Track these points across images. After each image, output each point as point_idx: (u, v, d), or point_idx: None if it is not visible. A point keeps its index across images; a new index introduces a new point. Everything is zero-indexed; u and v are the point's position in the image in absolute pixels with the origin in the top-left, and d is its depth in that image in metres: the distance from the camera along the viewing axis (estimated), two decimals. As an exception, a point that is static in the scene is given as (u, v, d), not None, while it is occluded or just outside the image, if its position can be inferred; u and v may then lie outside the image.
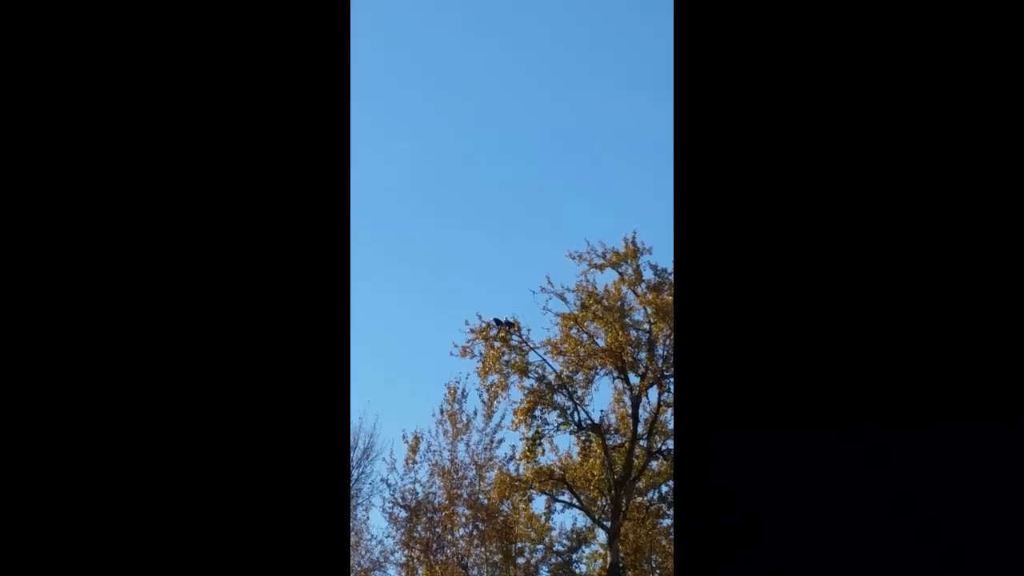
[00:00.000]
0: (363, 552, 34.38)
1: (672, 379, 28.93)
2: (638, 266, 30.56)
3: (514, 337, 30.84)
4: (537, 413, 30.75)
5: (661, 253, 30.77)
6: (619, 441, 31.22)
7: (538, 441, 30.80)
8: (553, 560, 32.41)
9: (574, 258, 30.48)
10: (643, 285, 30.27)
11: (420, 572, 32.33)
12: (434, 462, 32.74)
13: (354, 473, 34.82)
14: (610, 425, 31.34)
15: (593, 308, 30.42)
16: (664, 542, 30.80)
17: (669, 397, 30.06)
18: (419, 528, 32.63)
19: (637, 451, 30.73)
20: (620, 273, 30.66)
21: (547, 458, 31.02)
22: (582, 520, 32.16)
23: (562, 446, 32.84)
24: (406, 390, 49.74)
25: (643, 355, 30.29)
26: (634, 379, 30.80)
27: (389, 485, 32.85)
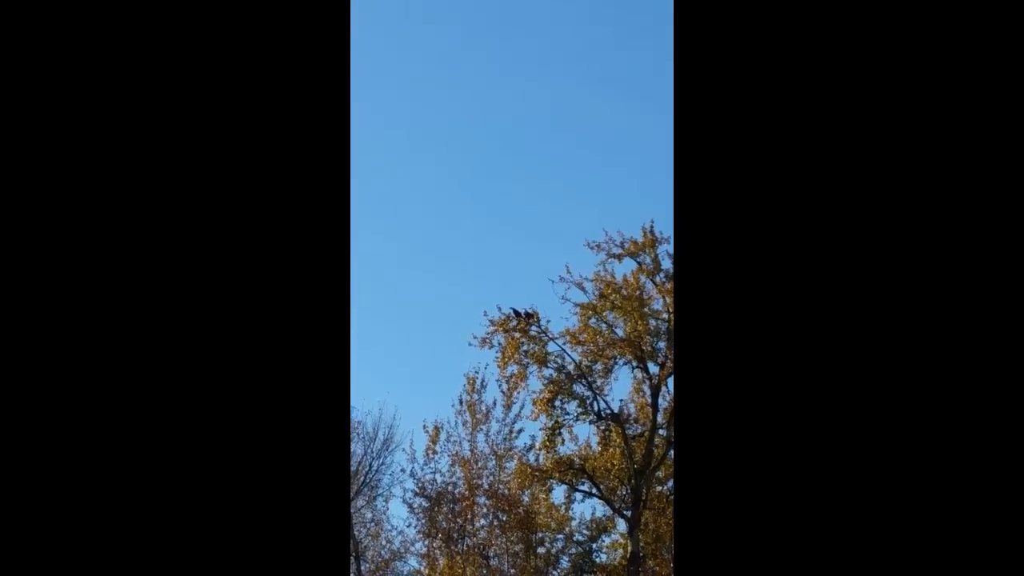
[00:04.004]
0: (384, 542, 34.46)
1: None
2: (656, 255, 30.45)
3: (533, 327, 30.79)
4: (556, 403, 30.69)
5: (679, 242, 30.63)
6: (639, 431, 31.16)
7: (557, 431, 30.77)
8: (573, 550, 32.42)
9: (592, 248, 30.42)
10: (661, 274, 30.16)
11: (441, 562, 32.36)
12: (454, 452, 32.76)
13: (374, 464, 34.91)
14: (629, 415, 31.28)
15: (612, 298, 30.34)
16: (684, 531, 30.71)
17: (688, 386, 29.91)
18: (440, 518, 32.65)
19: (657, 440, 30.67)
20: (638, 263, 30.57)
21: (567, 448, 31.01)
22: (602, 510, 32.18)
23: (581, 436, 32.84)
24: (426, 381, 49.78)
25: (662, 344, 30.20)
26: (653, 368, 30.72)
27: (413, 476, 32.89)
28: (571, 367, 30.60)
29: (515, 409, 32.36)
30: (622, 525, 31.55)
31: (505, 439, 32.54)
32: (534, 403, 30.71)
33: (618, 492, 31.32)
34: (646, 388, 30.84)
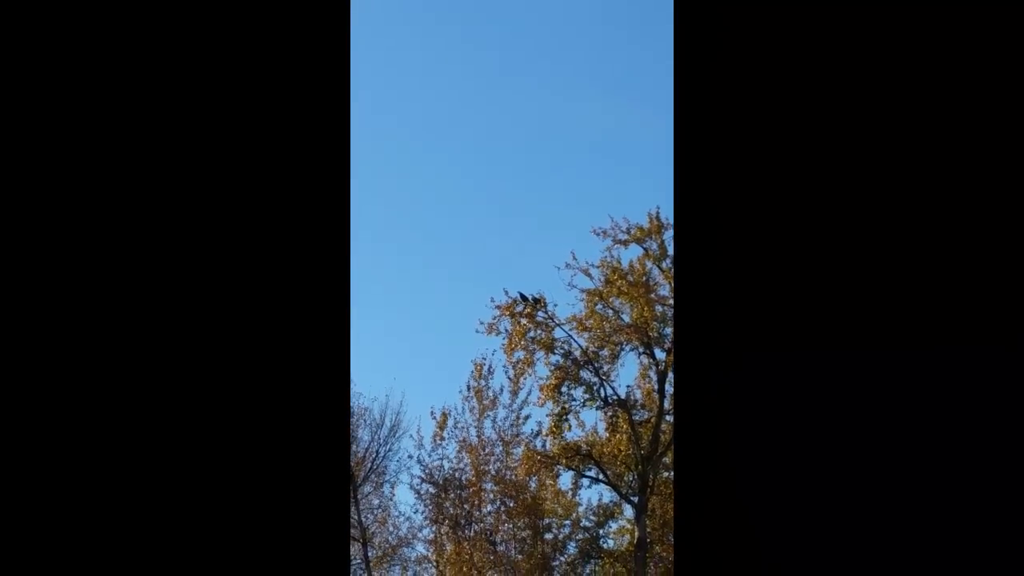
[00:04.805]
0: (391, 528, 34.55)
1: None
2: (663, 241, 30.52)
3: (540, 313, 30.84)
4: (563, 389, 30.78)
5: (686, 228, 30.61)
6: (645, 416, 31.21)
7: (564, 417, 30.84)
8: (580, 535, 32.47)
9: (598, 234, 30.46)
10: (668, 260, 30.19)
11: (448, 548, 32.44)
12: (461, 439, 32.81)
13: (381, 451, 34.98)
14: (636, 400, 31.33)
15: (618, 284, 30.39)
16: (691, 517, 30.75)
17: (695, 372, 29.96)
18: (447, 504, 32.72)
19: (663, 426, 30.72)
20: (645, 248, 30.61)
21: (573, 434, 31.08)
22: (609, 495, 32.21)
23: (588, 422, 32.91)
24: (433, 367, 49.85)
25: (669, 330, 30.23)
26: (660, 354, 30.78)
27: (419, 462, 32.96)
28: (578, 353, 30.66)
29: (522, 395, 32.39)
30: (629, 511, 31.60)
31: (512, 425, 32.59)
32: (541, 389, 30.78)
33: (625, 478, 31.39)
34: (652, 374, 30.89)
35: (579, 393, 30.88)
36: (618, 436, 30.78)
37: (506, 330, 30.94)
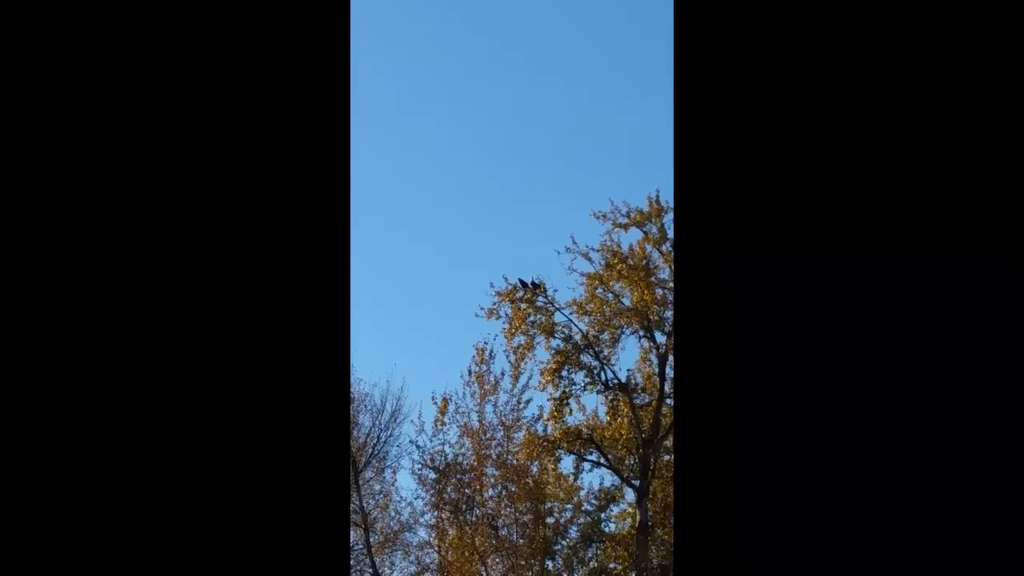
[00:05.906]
0: (393, 514, 34.59)
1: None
2: (663, 224, 30.54)
3: (540, 298, 30.87)
4: (564, 373, 30.81)
5: (685, 212, 30.67)
6: (646, 400, 31.24)
7: (565, 401, 30.88)
8: (582, 519, 32.52)
9: (598, 217, 30.47)
10: (668, 244, 30.21)
11: (450, 533, 32.50)
12: (463, 424, 32.82)
13: (382, 436, 35.01)
14: (637, 384, 31.36)
15: (618, 267, 30.40)
16: (693, 500, 30.80)
17: (695, 355, 30.00)
18: (449, 489, 32.76)
19: (664, 410, 30.76)
20: (645, 232, 30.63)
21: (574, 418, 31.10)
22: (610, 479, 32.25)
23: (589, 406, 32.87)
24: (434, 352, 49.91)
25: (669, 314, 30.26)
26: (660, 338, 30.81)
27: (419, 447, 32.98)
28: (578, 337, 30.69)
29: (523, 380, 32.39)
30: (630, 495, 31.64)
31: (513, 410, 32.59)
32: (541, 374, 30.81)
33: (626, 462, 31.43)
34: (653, 357, 30.93)
35: (580, 377, 30.93)
36: (619, 420, 30.82)
37: (506, 315, 30.98)
